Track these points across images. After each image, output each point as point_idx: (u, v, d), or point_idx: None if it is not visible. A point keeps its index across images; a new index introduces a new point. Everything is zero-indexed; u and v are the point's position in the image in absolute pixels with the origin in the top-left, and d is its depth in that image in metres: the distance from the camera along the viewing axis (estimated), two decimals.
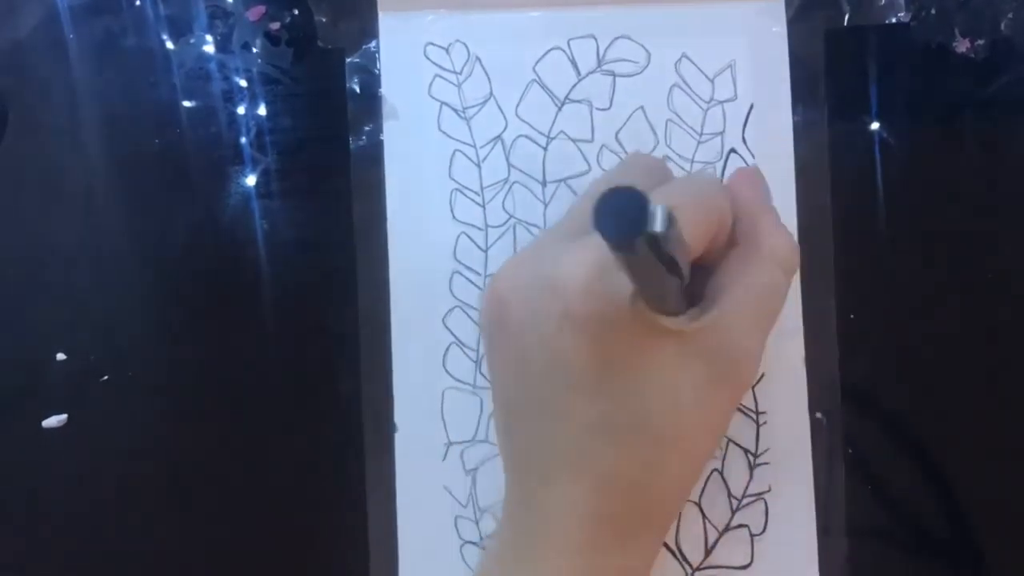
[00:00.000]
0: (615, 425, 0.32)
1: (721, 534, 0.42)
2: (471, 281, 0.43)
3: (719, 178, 0.35)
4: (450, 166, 0.43)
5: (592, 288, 0.31)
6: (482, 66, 0.43)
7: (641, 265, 0.25)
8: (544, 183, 0.43)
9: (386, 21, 0.44)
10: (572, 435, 0.33)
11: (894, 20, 0.43)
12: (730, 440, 0.42)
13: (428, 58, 0.44)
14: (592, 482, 0.33)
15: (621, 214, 0.23)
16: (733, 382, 0.34)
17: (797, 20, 0.43)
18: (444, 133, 0.43)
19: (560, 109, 0.43)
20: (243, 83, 0.45)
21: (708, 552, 0.42)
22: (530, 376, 0.33)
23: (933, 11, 0.43)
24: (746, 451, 0.42)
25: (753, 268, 0.34)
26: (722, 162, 0.43)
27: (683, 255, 0.28)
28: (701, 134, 0.43)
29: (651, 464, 0.33)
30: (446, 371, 0.42)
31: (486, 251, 0.43)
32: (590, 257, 0.31)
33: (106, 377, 0.44)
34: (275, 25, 0.45)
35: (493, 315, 0.34)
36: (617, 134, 0.43)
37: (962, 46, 0.43)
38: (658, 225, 0.23)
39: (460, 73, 0.44)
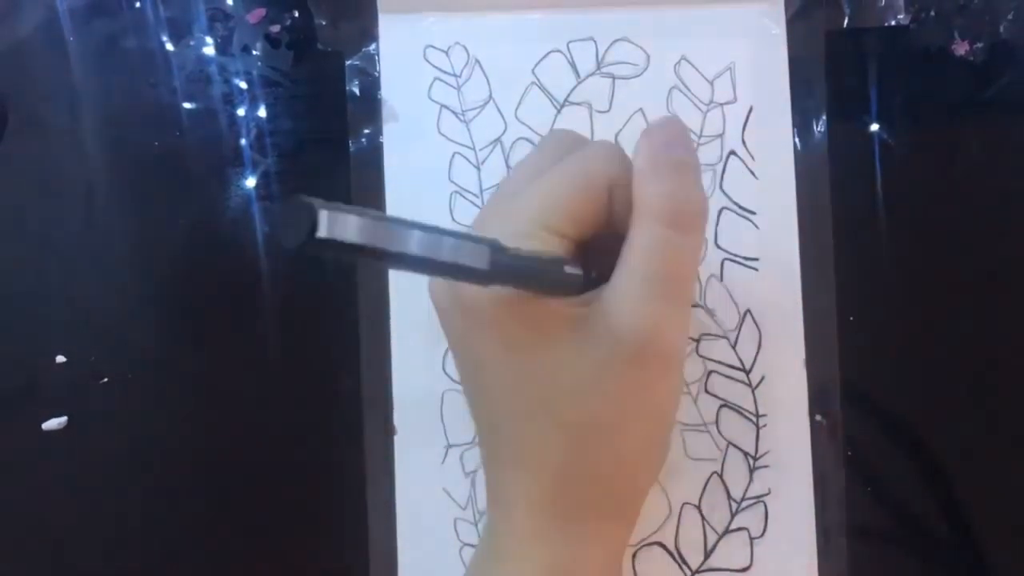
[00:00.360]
0: (531, 408, 0.33)
1: (721, 537, 0.42)
2: None
3: (609, 148, 0.33)
4: (450, 168, 0.43)
5: None
6: (481, 69, 0.44)
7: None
8: None
9: (386, 24, 0.44)
10: (501, 418, 0.34)
11: (893, 22, 0.43)
12: (730, 443, 0.42)
13: (428, 61, 0.44)
14: (529, 469, 0.33)
15: (292, 223, 0.24)
16: (639, 358, 0.31)
17: (796, 22, 0.43)
18: (444, 135, 0.43)
19: (559, 111, 0.43)
20: (243, 85, 0.45)
21: (708, 555, 0.42)
22: (464, 372, 0.35)
23: (932, 13, 0.43)
24: (746, 454, 0.42)
25: (636, 230, 0.31)
26: (721, 164, 0.43)
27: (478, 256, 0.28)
28: (700, 136, 0.43)
29: (574, 446, 0.33)
30: (445, 374, 0.42)
31: None
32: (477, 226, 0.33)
33: (106, 379, 0.44)
34: (275, 28, 0.45)
35: (440, 320, 0.36)
36: (617, 136, 0.43)
37: (961, 48, 0.43)
38: (323, 231, 0.23)
39: (460, 76, 0.44)
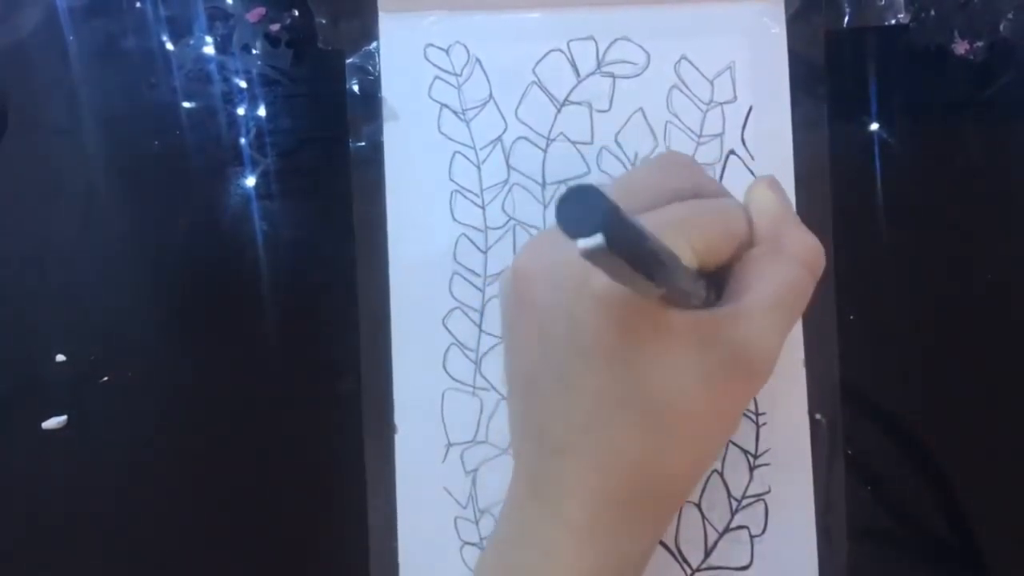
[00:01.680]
0: (624, 400, 0.33)
1: (721, 535, 0.42)
2: (471, 282, 0.43)
3: (738, 202, 0.36)
4: (450, 168, 0.43)
5: None
6: (482, 68, 0.44)
7: (607, 262, 0.26)
8: (544, 185, 0.43)
9: (386, 22, 0.44)
10: (583, 406, 0.33)
11: (893, 22, 0.43)
12: (730, 441, 0.42)
13: (428, 60, 0.44)
14: (598, 457, 0.33)
15: (580, 211, 0.23)
16: (747, 375, 0.33)
17: (796, 21, 0.43)
18: (444, 135, 0.43)
19: (560, 111, 0.43)
20: (243, 84, 0.45)
21: (708, 553, 0.42)
22: (549, 347, 0.34)
23: (932, 13, 0.43)
24: (746, 452, 0.42)
25: (777, 266, 0.34)
26: (721, 164, 0.43)
27: (673, 262, 0.29)
28: (700, 135, 0.43)
29: (655, 444, 0.33)
30: (446, 372, 0.43)
31: (486, 253, 0.43)
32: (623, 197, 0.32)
33: (106, 378, 0.44)
34: (275, 26, 0.45)
35: (517, 290, 0.35)
36: (617, 136, 0.43)
37: (961, 48, 0.43)
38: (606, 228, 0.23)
39: (460, 75, 0.44)
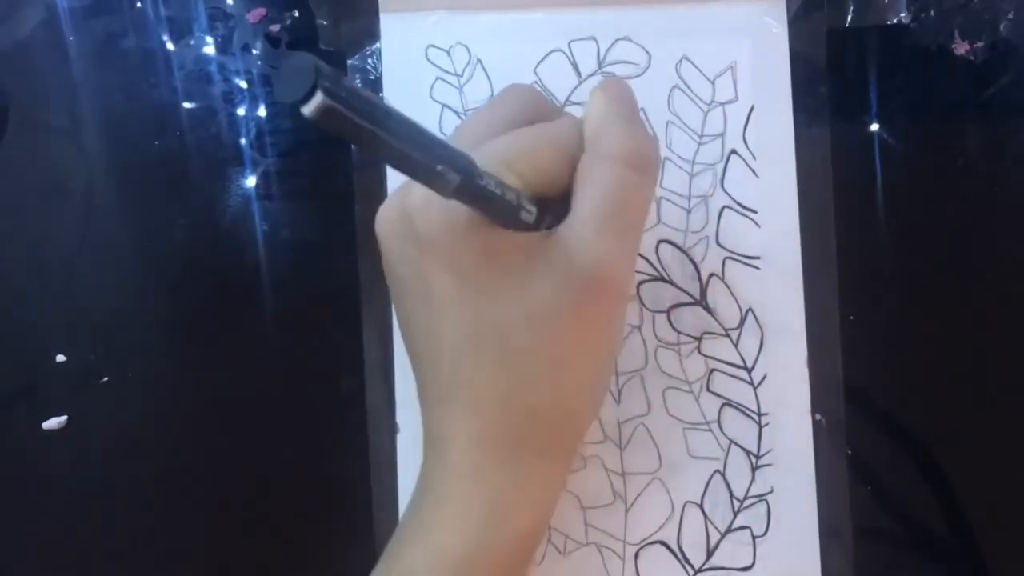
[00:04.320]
0: (477, 341, 0.33)
1: (723, 535, 0.42)
2: None
3: (575, 118, 0.35)
4: None
5: (433, 207, 0.32)
6: (483, 68, 0.44)
7: (340, 125, 0.26)
8: None
9: (387, 23, 0.44)
10: (445, 354, 0.33)
11: (894, 21, 0.43)
12: (732, 441, 0.42)
13: (429, 60, 0.44)
14: (468, 400, 0.33)
15: (292, 79, 0.24)
16: (591, 290, 0.32)
17: (797, 21, 0.43)
18: (445, 135, 0.43)
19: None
20: (243, 84, 0.45)
21: (710, 554, 0.42)
22: (406, 303, 0.35)
23: (933, 13, 0.44)
24: (748, 452, 0.42)
25: (596, 169, 0.33)
26: (723, 163, 0.43)
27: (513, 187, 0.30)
28: (702, 136, 0.43)
29: (519, 377, 0.33)
30: None
31: None
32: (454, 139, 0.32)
33: (106, 378, 0.44)
34: (275, 27, 0.45)
35: (382, 251, 0.35)
36: None
37: (961, 48, 0.44)
38: (320, 94, 0.24)
39: (461, 75, 0.44)
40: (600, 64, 0.43)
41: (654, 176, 0.34)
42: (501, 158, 0.32)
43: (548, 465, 0.35)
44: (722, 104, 0.43)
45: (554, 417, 0.34)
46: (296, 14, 0.45)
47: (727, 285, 0.42)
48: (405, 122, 0.27)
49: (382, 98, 0.43)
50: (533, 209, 0.32)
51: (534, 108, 0.35)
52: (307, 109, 0.24)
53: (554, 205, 0.33)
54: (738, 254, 0.42)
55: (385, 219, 0.35)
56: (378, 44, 0.44)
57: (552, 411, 0.34)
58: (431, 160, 0.28)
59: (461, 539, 0.33)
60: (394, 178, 0.43)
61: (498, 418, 0.33)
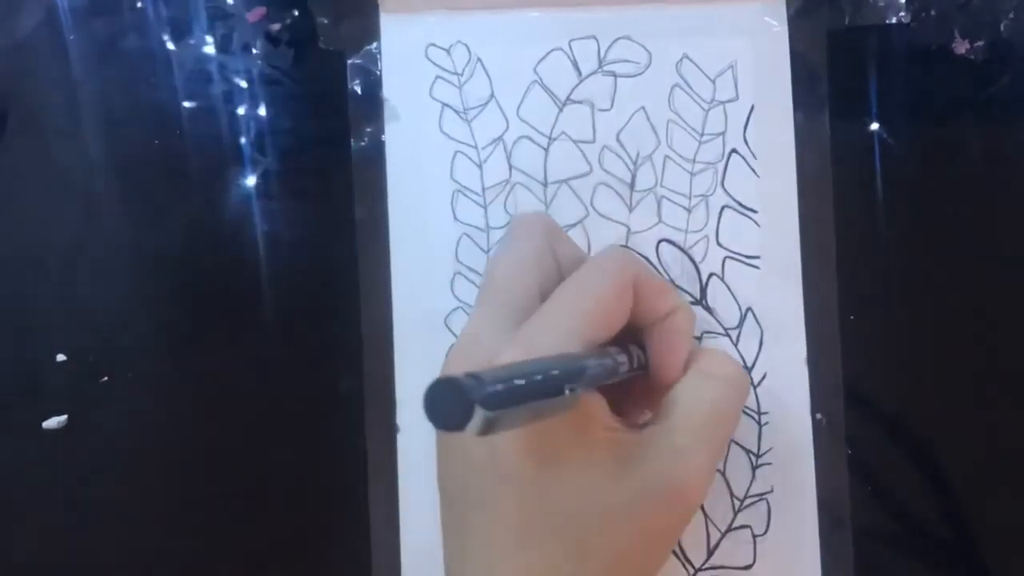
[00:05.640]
0: (544, 527, 0.32)
1: (723, 534, 0.42)
2: (473, 282, 0.43)
3: (620, 252, 0.36)
4: (451, 167, 0.43)
5: None
6: (483, 67, 0.44)
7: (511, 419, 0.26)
8: (545, 184, 0.43)
9: (387, 22, 0.44)
10: (503, 533, 0.32)
11: (894, 20, 0.43)
12: (732, 440, 0.42)
13: (429, 59, 0.44)
14: None
15: (447, 406, 0.23)
16: (674, 501, 0.32)
17: (798, 20, 0.43)
18: (445, 134, 0.43)
19: (561, 110, 0.43)
20: (243, 84, 0.45)
21: (710, 553, 0.42)
22: (471, 472, 0.33)
23: (933, 12, 0.44)
24: (748, 451, 0.42)
25: (703, 387, 0.34)
26: (723, 162, 0.43)
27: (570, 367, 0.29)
28: (702, 134, 0.43)
29: (579, 572, 0.32)
30: None
31: (488, 252, 0.43)
32: (525, 355, 0.31)
33: (106, 378, 0.44)
34: (276, 26, 0.45)
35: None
36: (619, 135, 0.43)
37: (961, 47, 0.44)
38: (476, 425, 0.23)
39: (461, 74, 0.44)
40: (601, 63, 0.43)
41: (744, 402, 0.36)
42: (575, 330, 0.32)
43: None
44: (723, 103, 0.43)
45: None
46: (296, 13, 0.45)
47: (727, 285, 0.42)
48: (544, 373, 0.27)
49: (388, 100, 0.43)
50: (624, 359, 0.33)
51: (551, 235, 0.36)
52: (471, 428, 0.24)
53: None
54: (738, 254, 0.42)
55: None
56: (378, 43, 0.44)
57: None
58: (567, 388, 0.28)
59: None
60: (394, 178, 0.43)
61: None
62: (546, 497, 0.32)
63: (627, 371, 0.33)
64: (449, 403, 0.23)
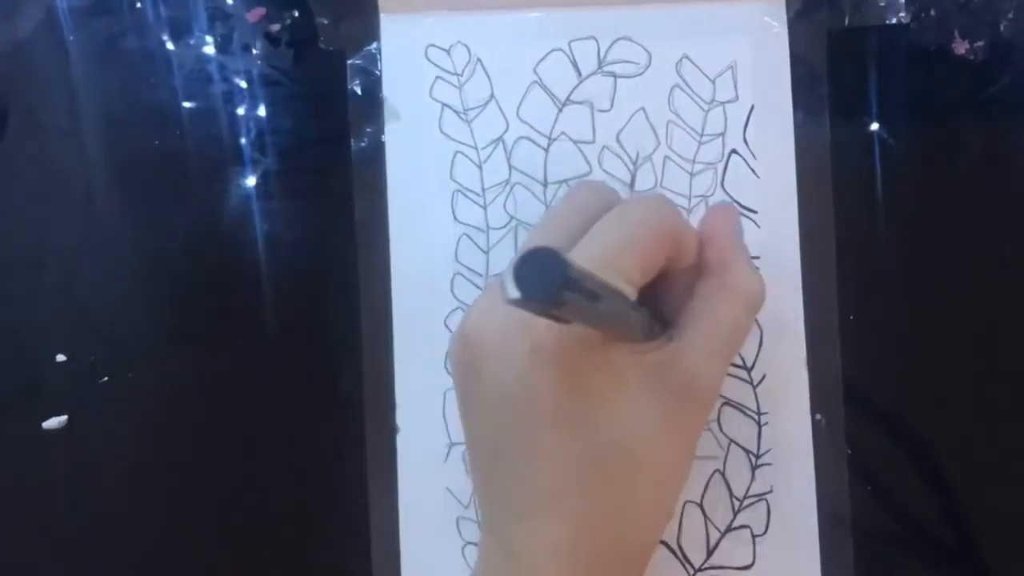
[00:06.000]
0: (589, 456, 0.32)
1: (723, 535, 0.42)
2: (472, 283, 0.43)
3: (665, 199, 0.36)
4: (451, 167, 0.43)
5: (542, 320, 0.31)
6: (483, 67, 0.44)
7: (572, 313, 0.26)
8: (545, 184, 0.43)
9: (387, 23, 0.44)
10: (551, 472, 0.33)
11: (894, 21, 0.43)
12: (732, 441, 0.42)
13: (429, 60, 0.44)
14: (569, 519, 0.32)
15: (540, 276, 0.24)
16: (695, 408, 0.34)
17: (798, 21, 0.43)
18: (445, 135, 0.43)
19: (561, 110, 0.43)
20: (243, 84, 0.45)
21: (710, 553, 0.42)
22: (506, 415, 0.33)
23: (933, 12, 0.44)
24: (748, 452, 0.42)
25: (721, 304, 0.35)
26: (723, 163, 0.43)
27: (615, 293, 0.30)
28: (702, 135, 0.43)
29: (626, 495, 0.33)
30: (448, 372, 0.42)
31: (487, 253, 0.43)
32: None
33: (106, 378, 0.44)
34: (275, 26, 0.45)
35: (466, 359, 0.34)
36: (618, 135, 0.43)
37: (961, 47, 0.44)
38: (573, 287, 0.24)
39: (461, 75, 0.44)
40: (600, 64, 0.43)
41: (760, 308, 0.36)
42: (606, 261, 0.32)
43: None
44: (722, 103, 0.43)
45: (648, 530, 0.35)
46: (296, 13, 0.45)
47: None
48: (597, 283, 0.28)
49: (385, 98, 0.43)
50: (644, 325, 0.33)
51: (608, 202, 0.36)
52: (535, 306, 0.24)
53: (656, 299, 0.35)
54: None
55: (484, 327, 0.34)
56: (377, 43, 0.44)
57: (648, 524, 0.34)
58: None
59: None
60: (394, 178, 0.43)
61: (599, 534, 0.33)
62: (585, 428, 0.32)
63: (638, 335, 0.33)
64: (537, 274, 0.24)
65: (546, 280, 0.24)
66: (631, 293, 0.32)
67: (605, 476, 0.33)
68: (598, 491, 0.33)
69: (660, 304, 0.36)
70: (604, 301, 0.27)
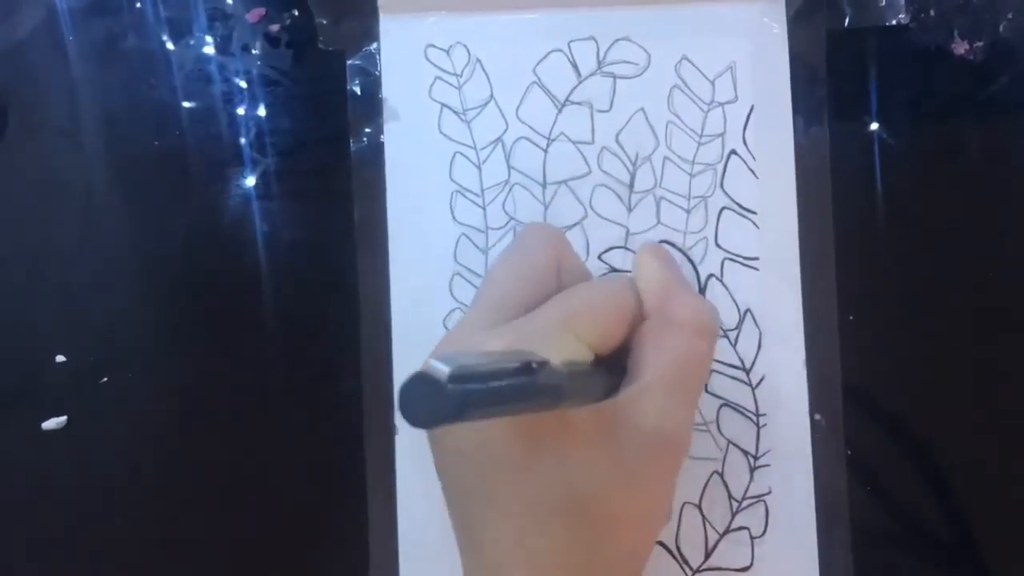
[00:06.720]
0: (549, 508, 0.32)
1: (721, 536, 0.42)
2: (471, 283, 0.43)
3: (620, 276, 0.36)
4: (451, 168, 0.43)
5: None
6: (482, 68, 0.44)
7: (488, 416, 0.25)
8: (544, 185, 0.43)
9: (387, 23, 0.44)
10: (511, 521, 0.32)
11: (894, 22, 0.43)
12: (730, 442, 0.42)
13: (429, 60, 0.44)
14: (534, 567, 0.32)
15: (420, 403, 0.23)
16: (663, 450, 0.33)
17: (797, 21, 0.43)
18: (444, 135, 0.43)
19: (560, 111, 0.43)
20: (243, 84, 0.45)
21: (708, 554, 0.42)
22: (469, 464, 0.33)
23: (932, 13, 0.43)
24: (746, 453, 0.42)
25: (666, 340, 0.34)
26: (722, 164, 0.43)
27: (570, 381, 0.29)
28: (702, 135, 0.43)
29: (591, 546, 0.32)
30: None
31: (486, 253, 0.43)
32: (507, 345, 0.32)
33: (105, 379, 0.44)
34: (275, 27, 0.45)
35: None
36: (618, 136, 0.43)
37: (961, 48, 0.43)
38: (455, 414, 0.23)
39: (460, 75, 0.44)
40: (600, 64, 0.43)
41: (715, 343, 0.36)
42: (564, 321, 0.32)
43: None
44: (722, 104, 0.43)
45: (624, 572, 0.34)
46: (295, 14, 0.45)
47: (726, 286, 0.42)
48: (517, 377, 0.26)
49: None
50: (601, 387, 0.33)
51: (560, 251, 0.36)
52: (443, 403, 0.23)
53: (608, 366, 0.34)
54: (737, 255, 0.42)
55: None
56: (377, 44, 0.44)
57: (623, 566, 0.34)
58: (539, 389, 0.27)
59: None
60: (393, 178, 0.43)
61: None
62: (543, 481, 0.32)
63: (598, 397, 0.33)
64: (421, 395, 0.23)
65: (437, 407, 0.23)
66: (586, 356, 0.32)
67: (569, 529, 0.32)
68: (564, 545, 0.32)
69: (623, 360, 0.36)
70: (532, 392, 0.26)
